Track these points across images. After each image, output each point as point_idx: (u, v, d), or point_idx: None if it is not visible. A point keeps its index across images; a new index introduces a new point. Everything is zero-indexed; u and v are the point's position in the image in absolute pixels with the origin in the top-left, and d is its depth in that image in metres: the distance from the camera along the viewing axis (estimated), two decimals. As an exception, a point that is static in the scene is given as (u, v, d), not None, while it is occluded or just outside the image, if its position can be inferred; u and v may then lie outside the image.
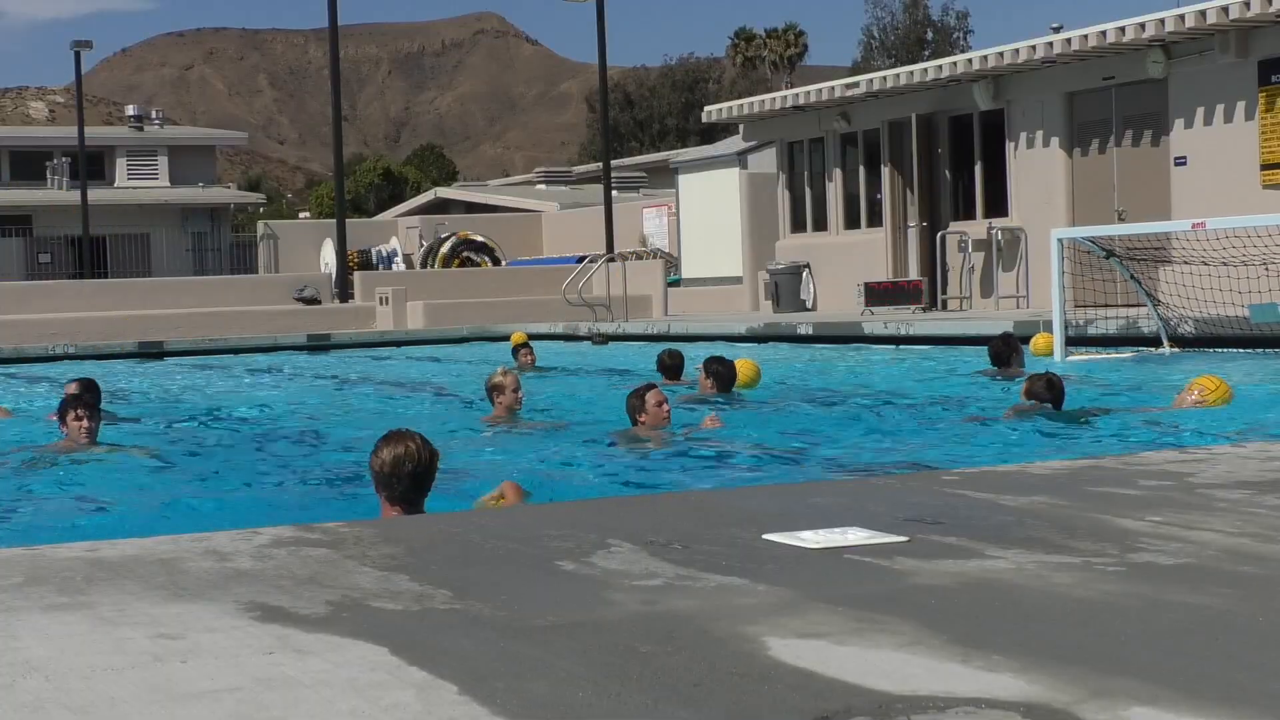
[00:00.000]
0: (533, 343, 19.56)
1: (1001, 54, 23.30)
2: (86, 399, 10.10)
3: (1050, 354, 15.94)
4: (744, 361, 13.86)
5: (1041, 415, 10.24)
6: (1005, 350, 13.54)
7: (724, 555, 4.21)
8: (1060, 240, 16.49)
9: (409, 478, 5.59)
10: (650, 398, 9.95)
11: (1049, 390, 10.34)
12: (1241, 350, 15.57)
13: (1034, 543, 4.28)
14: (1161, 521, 4.57)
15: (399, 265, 38.74)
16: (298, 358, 24.16)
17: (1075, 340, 16.76)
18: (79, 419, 9.76)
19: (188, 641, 3.35)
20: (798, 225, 28.44)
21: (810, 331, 21.28)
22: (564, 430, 11.02)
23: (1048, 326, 16.40)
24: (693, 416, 11.09)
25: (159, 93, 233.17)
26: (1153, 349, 16.23)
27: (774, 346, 20.70)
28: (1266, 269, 15.94)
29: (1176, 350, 16.01)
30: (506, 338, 23.35)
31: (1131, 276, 16.95)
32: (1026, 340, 16.26)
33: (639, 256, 32.81)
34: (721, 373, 12.30)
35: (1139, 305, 17.26)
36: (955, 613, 3.46)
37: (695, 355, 14.23)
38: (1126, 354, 16.15)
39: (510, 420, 11.06)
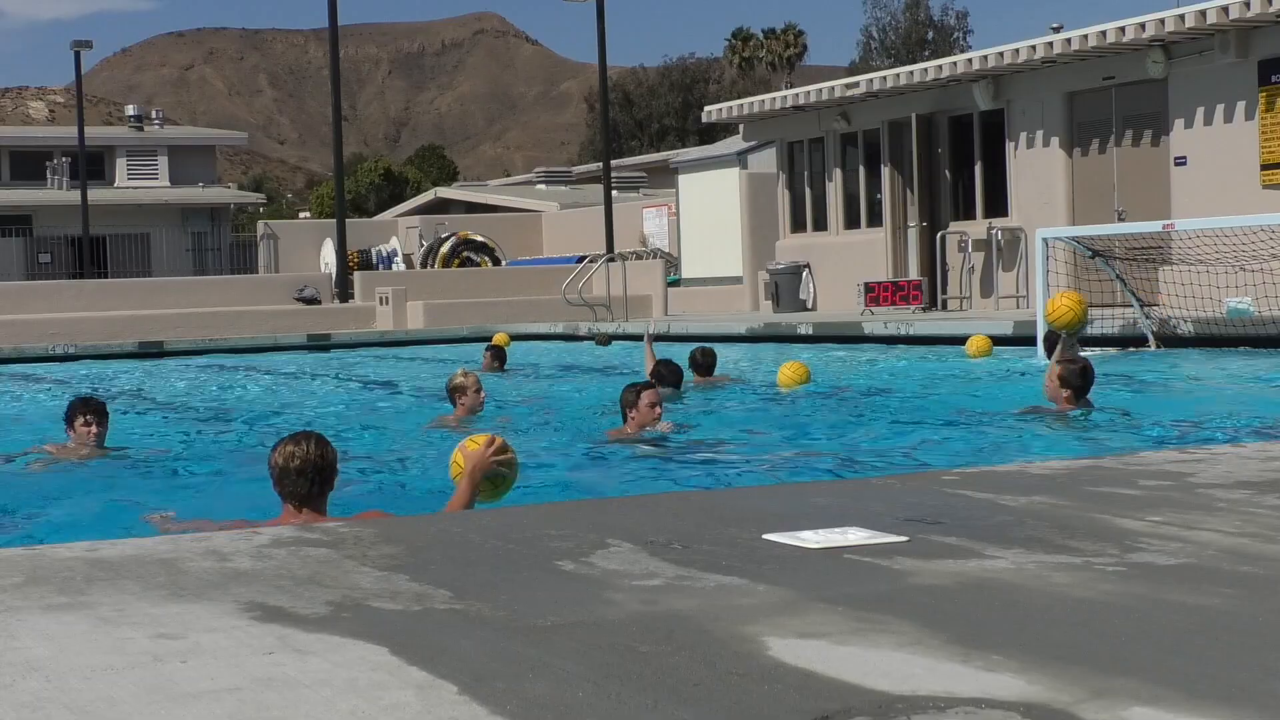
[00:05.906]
0: (531, 343, 19.58)
1: (1001, 54, 23.29)
2: (95, 404, 10.04)
3: (986, 356, 16.11)
4: (794, 364, 13.95)
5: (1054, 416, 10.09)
6: (1057, 341, 13.52)
7: (724, 555, 4.20)
8: (1045, 240, 16.57)
9: (295, 474, 5.85)
10: (644, 397, 9.81)
11: (1082, 378, 10.13)
12: (1233, 349, 15.58)
13: (1034, 543, 4.27)
14: (1161, 521, 4.56)
15: (399, 265, 38.74)
16: (299, 357, 24.14)
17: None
18: (87, 424, 9.70)
19: (188, 641, 3.35)
20: (798, 225, 28.43)
21: (810, 331, 21.28)
22: (524, 431, 10.96)
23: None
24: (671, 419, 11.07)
25: (159, 93, 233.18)
26: (1141, 348, 16.25)
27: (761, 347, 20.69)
28: (1242, 268, 15.99)
29: (1163, 349, 16.02)
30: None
31: (1118, 276, 16.98)
32: (963, 341, 16.55)
33: (639, 256, 32.81)
34: (665, 375, 12.44)
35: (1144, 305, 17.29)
36: (955, 613, 3.46)
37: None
38: (1113, 351, 16.17)
39: (471, 421, 10.86)
